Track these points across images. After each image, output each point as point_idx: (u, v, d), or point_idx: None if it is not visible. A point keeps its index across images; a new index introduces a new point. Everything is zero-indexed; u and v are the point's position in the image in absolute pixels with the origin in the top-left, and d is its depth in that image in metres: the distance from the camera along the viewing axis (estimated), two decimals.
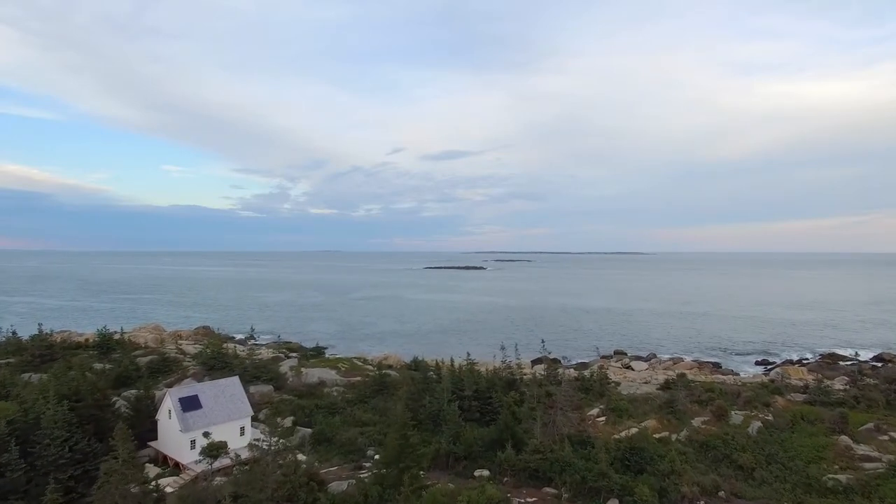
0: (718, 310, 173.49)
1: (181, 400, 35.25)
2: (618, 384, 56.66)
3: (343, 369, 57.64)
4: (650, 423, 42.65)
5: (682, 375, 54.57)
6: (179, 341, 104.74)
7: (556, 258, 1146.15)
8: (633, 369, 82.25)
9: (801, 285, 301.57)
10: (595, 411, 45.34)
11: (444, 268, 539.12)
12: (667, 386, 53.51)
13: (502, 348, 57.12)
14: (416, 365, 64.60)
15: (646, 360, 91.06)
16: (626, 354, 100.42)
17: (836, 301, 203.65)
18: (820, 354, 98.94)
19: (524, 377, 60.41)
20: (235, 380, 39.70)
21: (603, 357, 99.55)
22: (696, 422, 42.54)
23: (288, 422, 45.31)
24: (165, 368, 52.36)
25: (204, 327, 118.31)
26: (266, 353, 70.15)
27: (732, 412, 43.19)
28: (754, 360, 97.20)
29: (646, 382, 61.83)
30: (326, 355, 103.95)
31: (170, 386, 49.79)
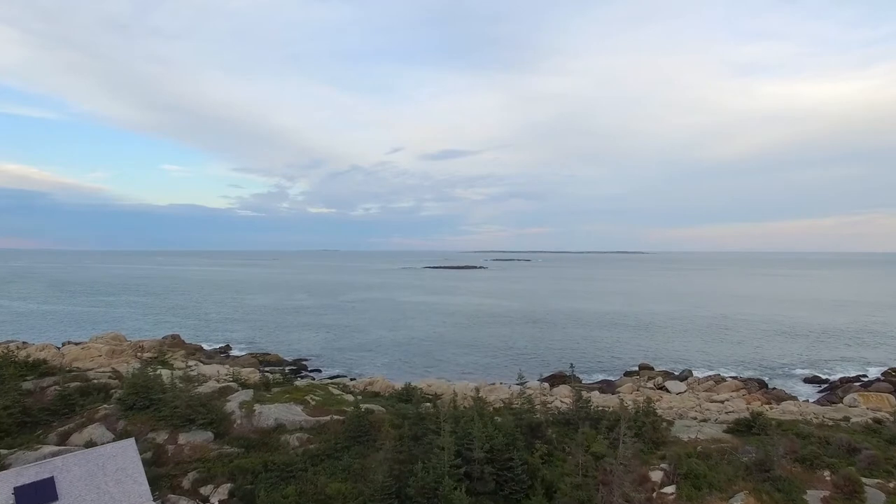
0: (736, 313, 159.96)
1: (20, 490, 21.99)
2: (671, 424, 43.35)
3: (312, 404, 44.25)
4: (744, 499, 29.39)
5: (760, 415, 41.14)
6: (139, 354, 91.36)
7: (555, 257, 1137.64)
8: (668, 391, 68.91)
9: (815, 285, 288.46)
10: (658, 476, 32.09)
11: (443, 267, 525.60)
12: (739, 427, 40.26)
13: (520, 379, 43.79)
14: (409, 393, 51.25)
15: (680, 378, 77.58)
16: (652, 369, 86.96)
17: (862, 303, 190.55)
18: (881, 370, 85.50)
19: (548, 408, 47.16)
20: (128, 444, 26.34)
21: (627, 374, 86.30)
22: (812, 498, 29.29)
23: (222, 492, 31.94)
24: (65, 409, 38.82)
25: (172, 336, 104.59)
26: (220, 372, 56.41)
27: (863, 483, 29.97)
28: (802, 377, 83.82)
29: (703, 420, 48.39)
30: (308, 368, 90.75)
31: (65, 437, 36.22)
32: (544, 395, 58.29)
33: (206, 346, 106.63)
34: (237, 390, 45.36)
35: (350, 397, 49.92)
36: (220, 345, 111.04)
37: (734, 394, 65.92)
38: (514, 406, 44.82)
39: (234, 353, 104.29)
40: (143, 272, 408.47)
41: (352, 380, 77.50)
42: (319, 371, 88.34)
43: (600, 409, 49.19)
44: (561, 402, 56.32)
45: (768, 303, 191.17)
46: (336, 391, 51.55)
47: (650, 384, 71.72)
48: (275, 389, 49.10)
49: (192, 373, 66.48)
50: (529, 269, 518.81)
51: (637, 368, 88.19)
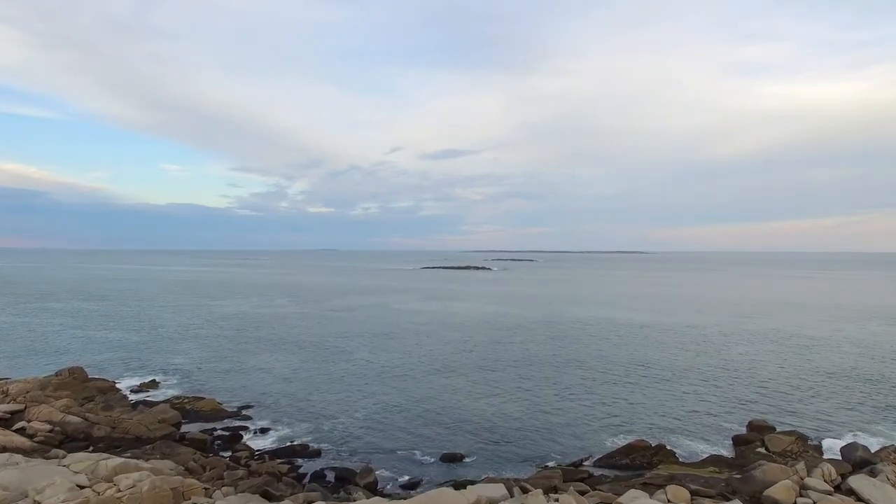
0: (802, 329, 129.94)
1: None
2: None
3: None
4: None
5: None
6: None
7: (557, 257, 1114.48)
8: (862, 499, 39.28)
9: (849, 288, 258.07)
10: None
11: (443, 268, 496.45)
12: None
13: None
14: None
15: (856, 462, 47.84)
16: (773, 429, 57.21)
17: None
18: None
19: None
20: None
21: (737, 441, 56.35)
22: None
23: None
24: None
25: (70, 370, 74.27)
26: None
27: None
28: None
29: None
30: (252, 426, 60.90)
31: None
32: None
33: (122, 384, 76.80)
34: None
35: None
36: (146, 379, 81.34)
37: None
38: None
39: (157, 393, 74.42)
40: (122, 273, 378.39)
41: (292, 474, 47.56)
42: (265, 433, 58.29)
43: None
44: None
45: (822, 312, 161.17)
46: None
47: (818, 478, 41.90)
48: None
49: None
50: (535, 270, 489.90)
51: (746, 430, 58.52)
